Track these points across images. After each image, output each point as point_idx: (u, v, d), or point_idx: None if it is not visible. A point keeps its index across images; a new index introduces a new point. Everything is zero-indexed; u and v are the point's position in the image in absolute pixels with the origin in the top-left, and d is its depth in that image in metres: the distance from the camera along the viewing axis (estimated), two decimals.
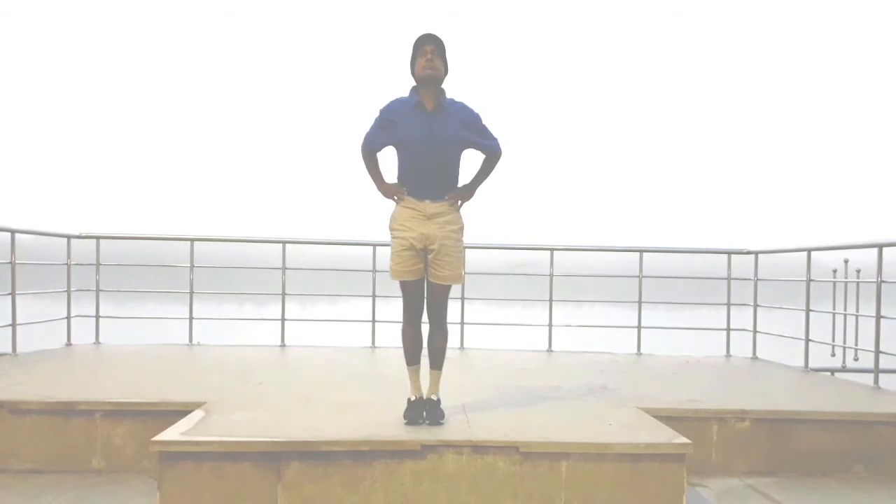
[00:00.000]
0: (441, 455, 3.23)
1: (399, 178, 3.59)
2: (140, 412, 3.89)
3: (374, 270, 6.78)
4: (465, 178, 3.67)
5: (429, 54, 3.43)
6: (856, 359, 6.84)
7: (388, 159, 3.62)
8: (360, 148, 3.63)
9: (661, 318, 8.64)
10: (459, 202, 3.62)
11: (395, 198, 3.58)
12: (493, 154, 3.64)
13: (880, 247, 5.18)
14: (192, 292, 6.88)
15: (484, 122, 3.59)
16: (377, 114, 3.57)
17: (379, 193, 3.66)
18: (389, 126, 3.52)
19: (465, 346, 6.80)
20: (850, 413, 4.12)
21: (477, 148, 3.62)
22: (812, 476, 3.96)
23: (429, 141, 3.46)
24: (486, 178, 3.68)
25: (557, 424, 3.62)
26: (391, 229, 3.60)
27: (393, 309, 4.00)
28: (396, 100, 3.56)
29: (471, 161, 3.67)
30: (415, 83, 3.52)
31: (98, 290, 6.78)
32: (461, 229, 3.62)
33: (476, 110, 3.58)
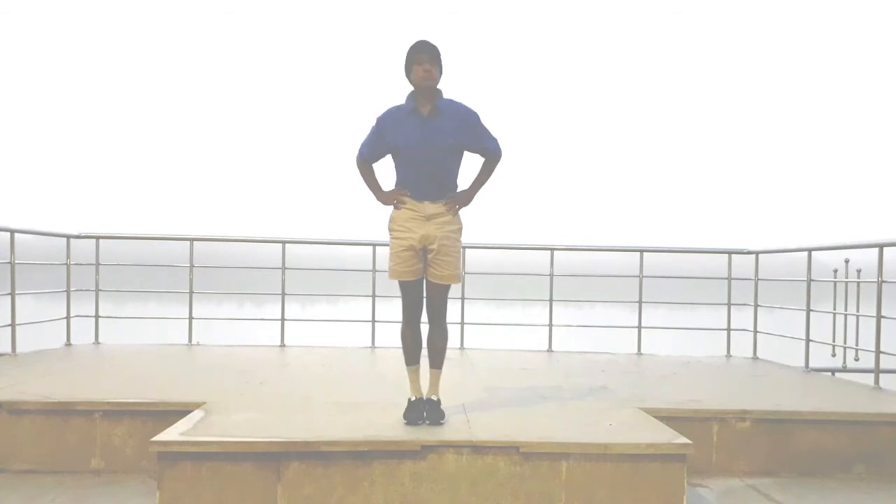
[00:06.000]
0: (441, 455, 3.22)
1: (398, 181, 3.59)
2: (139, 412, 3.88)
3: (374, 270, 6.78)
4: (466, 177, 3.66)
5: (426, 63, 3.42)
6: (856, 359, 6.82)
7: (387, 164, 3.63)
8: (354, 160, 3.65)
9: (661, 318, 8.63)
10: (457, 207, 3.61)
11: (395, 204, 3.58)
12: (492, 156, 3.64)
13: (881, 247, 5.17)
14: (191, 292, 6.87)
15: (482, 122, 3.58)
16: (373, 123, 3.58)
17: (378, 202, 3.65)
18: (385, 135, 3.53)
19: (465, 346, 6.79)
20: (851, 413, 4.12)
21: (474, 152, 3.62)
22: (813, 476, 3.95)
23: (425, 146, 3.46)
24: (485, 181, 3.67)
25: (558, 424, 3.62)
26: (390, 230, 3.59)
27: (393, 309, 4.00)
28: (392, 108, 3.57)
29: (472, 161, 3.67)
30: (411, 88, 3.51)
31: (98, 290, 6.77)
32: (460, 230, 3.62)
33: (474, 109, 3.57)
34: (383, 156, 3.61)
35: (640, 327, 6.94)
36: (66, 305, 6.54)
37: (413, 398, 3.57)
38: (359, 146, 3.63)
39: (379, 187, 3.65)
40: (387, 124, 3.53)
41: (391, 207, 3.61)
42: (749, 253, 6.93)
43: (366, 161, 3.63)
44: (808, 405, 4.34)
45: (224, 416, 3.64)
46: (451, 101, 3.54)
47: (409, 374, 3.63)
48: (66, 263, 6.54)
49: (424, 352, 3.64)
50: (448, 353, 3.74)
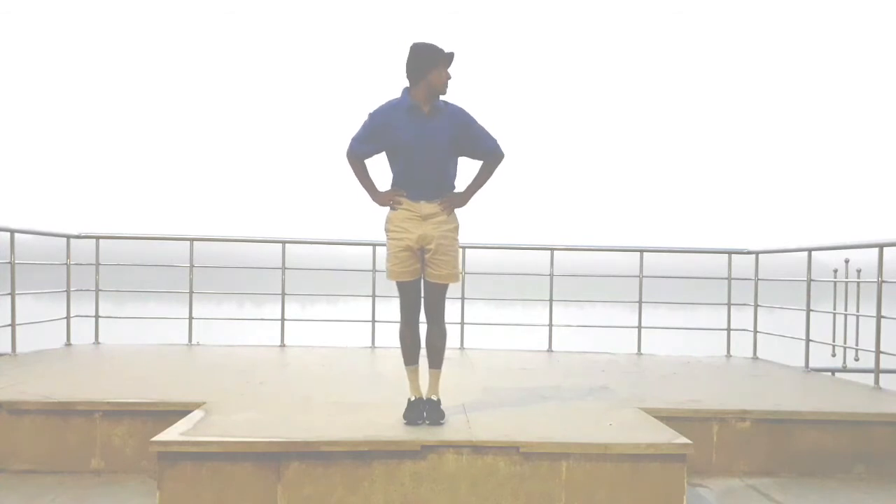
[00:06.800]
0: (441, 455, 3.22)
1: (394, 180, 3.58)
2: (139, 412, 3.88)
3: (374, 270, 6.78)
4: (464, 179, 3.66)
5: (448, 69, 3.46)
6: (856, 359, 6.82)
7: (382, 164, 3.61)
8: (345, 154, 3.61)
9: (661, 318, 8.63)
10: (452, 207, 3.59)
11: (392, 204, 3.56)
12: (493, 158, 3.62)
13: (881, 246, 5.17)
14: (191, 292, 6.86)
15: (480, 125, 3.58)
16: (366, 118, 3.55)
17: (374, 203, 3.63)
18: (381, 131, 3.50)
19: (465, 346, 6.79)
20: (851, 413, 4.12)
21: (474, 156, 3.61)
22: (813, 476, 3.95)
23: (424, 143, 3.45)
24: (484, 182, 3.66)
25: (558, 424, 3.62)
26: (387, 231, 3.58)
27: (392, 309, 4.01)
28: (387, 103, 3.54)
29: (469, 163, 3.66)
30: (409, 83, 3.49)
31: (98, 290, 6.77)
32: (456, 228, 3.61)
33: (470, 113, 3.57)
34: (378, 152, 3.58)
35: (640, 327, 6.94)
36: (66, 305, 6.53)
37: (413, 398, 3.57)
38: (349, 140, 3.59)
39: (374, 187, 3.62)
40: (384, 121, 3.50)
41: (388, 207, 3.60)
42: (749, 253, 6.93)
43: (357, 157, 3.59)
44: (808, 405, 4.34)
45: (224, 416, 3.64)
46: (447, 103, 3.54)
47: (408, 374, 3.63)
48: (66, 263, 6.54)
49: (424, 352, 3.64)
50: (448, 353, 3.74)
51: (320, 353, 6.30)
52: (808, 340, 6.00)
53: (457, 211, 3.63)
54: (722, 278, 7.04)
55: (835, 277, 6.96)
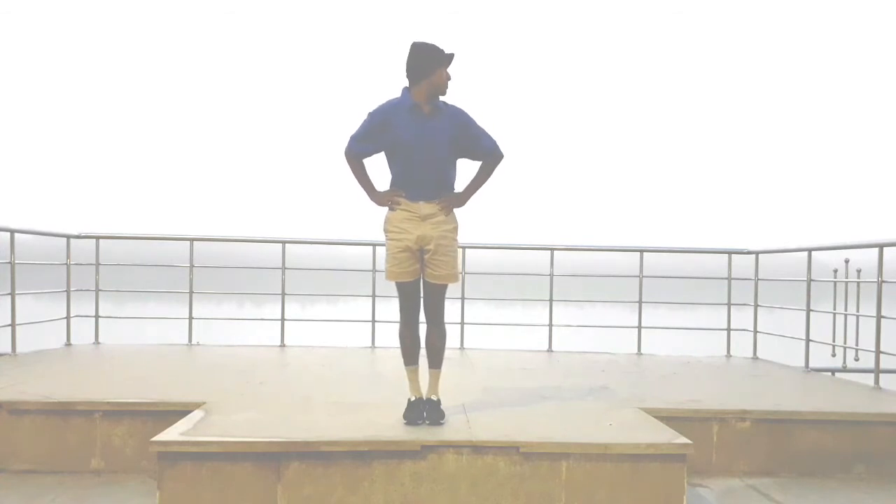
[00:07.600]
0: (441, 455, 3.22)
1: (393, 180, 3.57)
2: (139, 412, 3.88)
3: (374, 270, 6.78)
4: (464, 181, 3.65)
5: (448, 72, 3.47)
6: (856, 359, 6.82)
7: (381, 164, 3.60)
8: (343, 153, 3.59)
9: (661, 318, 8.63)
10: (450, 208, 3.59)
11: (390, 204, 3.55)
12: (492, 158, 3.62)
13: (881, 247, 5.17)
14: (191, 292, 6.87)
15: (480, 125, 3.58)
16: (366, 117, 3.54)
17: (372, 203, 3.62)
18: (381, 130, 3.49)
19: (465, 346, 6.79)
20: (851, 413, 4.12)
21: (474, 157, 3.61)
22: (813, 476, 3.95)
23: (424, 143, 3.45)
24: (483, 183, 3.65)
25: (558, 424, 3.62)
26: (385, 231, 3.57)
27: (392, 309, 4.02)
28: (387, 102, 3.53)
29: (468, 165, 3.66)
30: (409, 83, 3.48)
31: (98, 290, 6.77)
32: (455, 229, 3.61)
33: (470, 114, 3.57)
34: (377, 151, 3.57)
35: (640, 327, 6.94)
36: (66, 305, 6.53)
37: (413, 398, 3.57)
38: (348, 139, 3.57)
39: (372, 186, 3.61)
40: (385, 120, 3.49)
41: (387, 208, 3.59)
42: (749, 253, 6.93)
43: (356, 156, 3.58)
44: (808, 405, 4.34)
45: (224, 416, 3.64)
46: (446, 103, 3.54)
47: (408, 374, 3.63)
48: (66, 263, 6.54)
49: (424, 352, 3.64)
50: (448, 353, 3.74)
51: (320, 353, 6.30)
52: (808, 340, 6.00)
53: (456, 211, 3.62)
54: (722, 278, 7.05)
55: (835, 277, 6.96)
